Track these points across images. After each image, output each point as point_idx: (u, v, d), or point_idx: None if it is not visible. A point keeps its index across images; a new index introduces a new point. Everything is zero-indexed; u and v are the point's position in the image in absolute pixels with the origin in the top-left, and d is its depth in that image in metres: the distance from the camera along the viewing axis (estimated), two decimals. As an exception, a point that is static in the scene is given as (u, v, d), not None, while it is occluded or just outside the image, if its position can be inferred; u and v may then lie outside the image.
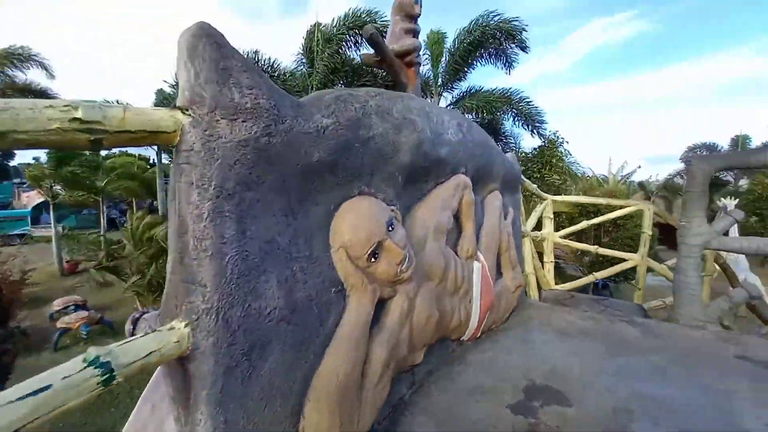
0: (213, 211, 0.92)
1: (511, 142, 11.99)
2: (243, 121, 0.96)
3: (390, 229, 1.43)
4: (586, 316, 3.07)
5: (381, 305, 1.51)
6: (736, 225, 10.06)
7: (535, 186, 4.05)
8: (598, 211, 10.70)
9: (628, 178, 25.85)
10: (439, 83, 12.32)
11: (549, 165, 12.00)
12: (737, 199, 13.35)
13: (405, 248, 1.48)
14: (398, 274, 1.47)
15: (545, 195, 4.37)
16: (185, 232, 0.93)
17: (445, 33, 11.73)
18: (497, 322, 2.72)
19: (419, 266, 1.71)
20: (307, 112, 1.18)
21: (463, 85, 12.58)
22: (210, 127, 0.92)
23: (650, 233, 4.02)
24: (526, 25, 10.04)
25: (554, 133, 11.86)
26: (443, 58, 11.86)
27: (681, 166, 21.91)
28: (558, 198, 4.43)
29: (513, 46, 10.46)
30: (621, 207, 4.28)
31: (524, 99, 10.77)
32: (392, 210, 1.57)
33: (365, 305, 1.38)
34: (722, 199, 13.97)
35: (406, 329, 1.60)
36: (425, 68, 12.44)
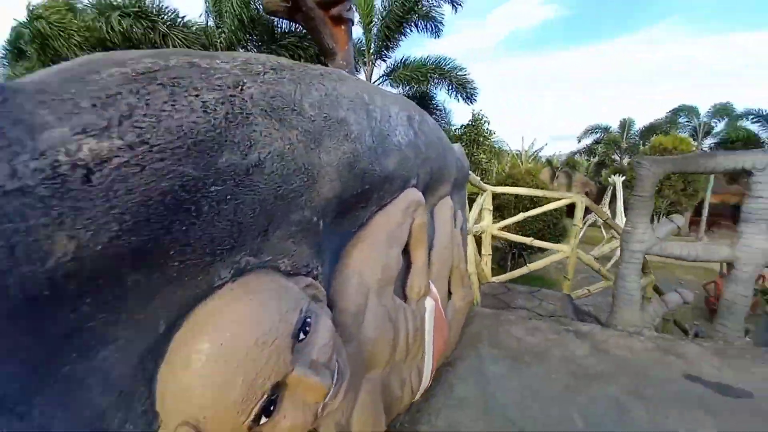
0: None
1: (442, 119, 11.66)
2: None
3: (301, 337, 0.73)
4: (532, 328, 2.82)
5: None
6: (621, 194, 11.54)
7: (478, 178, 3.63)
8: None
9: (537, 154, 28.33)
10: (372, 50, 11.21)
11: (476, 143, 12.11)
12: (624, 176, 15.36)
13: (331, 361, 0.80)
14: (319, 416, 0.79)
15: (486, 186, 4.01)
16: None
17: (368, -8, 10.48)
18: (447, 354, 2.26)
19: (357, 354, 1.06)
20: (27, 124, 0.37)
21: (396, 55, 11.68)
22: None
23: (581, 226, 3.99)
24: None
25: (478, 112, 11.88)
26: (374, 21, 10.70)
27: (578, 144, 24.59)
28: (498, 189, 4.12)
29: (440, 12, 9.81)
30: (555, 198, 4.18)
31: (457, 67, 10.27)
32: (307, 286, 0.86)
33: None
34: (612, 176, 15.97)
35: (336, 475, 0.96)
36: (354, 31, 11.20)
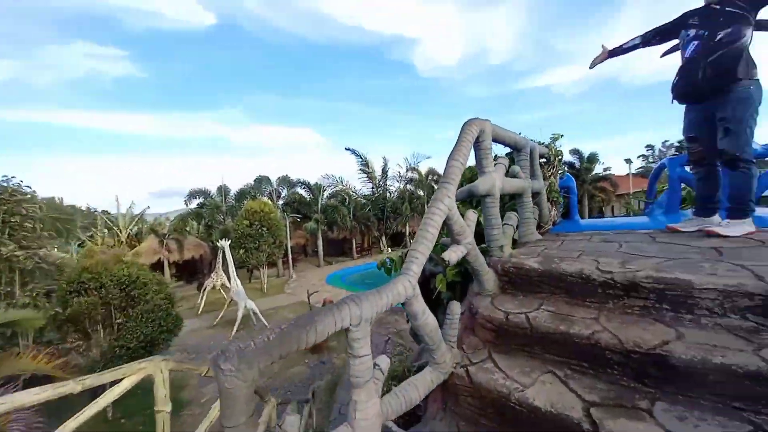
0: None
1: None
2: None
3: None
4: None
5: None
6: (230, 256, 11.27)
7: None
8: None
9: (139, 218, 23.39)
10: None
11: (7, 227, 7.10)
12: (228, 239, 15.64)
13: None
14: None
15: None
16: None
17: None
18: None
19: None
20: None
21: None
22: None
23: (167, 410, 2.43)
24: None
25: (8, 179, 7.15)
26: None
27: (186, 207, 23.11)
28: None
29: None
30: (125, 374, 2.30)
31: None
32: None
33: None
34: (221, 240, 15.80)
35: None
36: None
